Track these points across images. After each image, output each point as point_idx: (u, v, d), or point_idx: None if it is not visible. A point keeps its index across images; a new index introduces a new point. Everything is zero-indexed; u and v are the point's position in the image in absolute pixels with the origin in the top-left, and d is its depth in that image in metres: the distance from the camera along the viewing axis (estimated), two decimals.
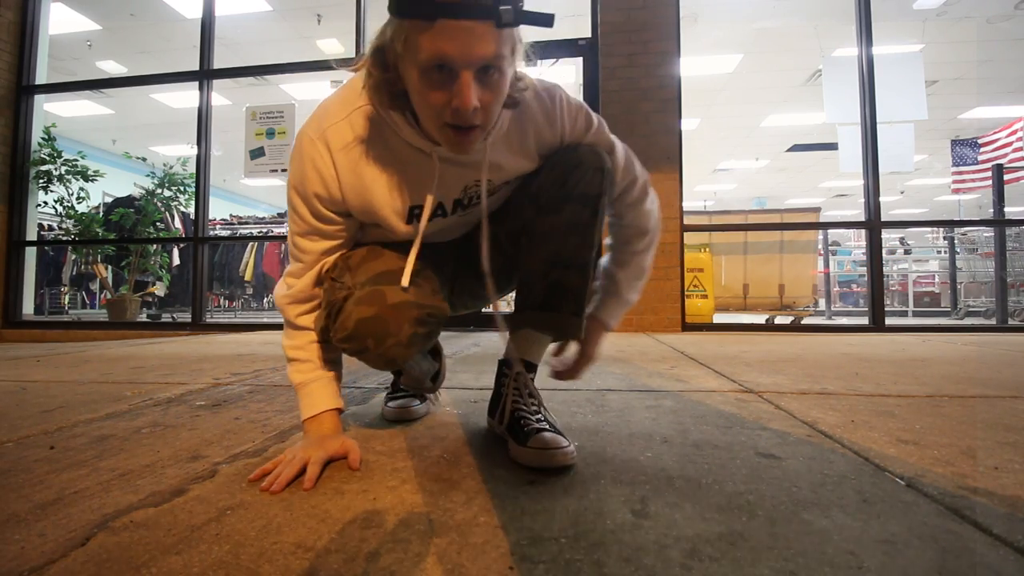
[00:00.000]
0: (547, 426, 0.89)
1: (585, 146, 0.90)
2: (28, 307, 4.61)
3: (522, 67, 0.78)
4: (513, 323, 0.96)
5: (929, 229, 10.28)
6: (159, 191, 5.34)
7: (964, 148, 7.54)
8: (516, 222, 0.96)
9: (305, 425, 0.91)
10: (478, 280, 1.04)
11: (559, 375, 0.98)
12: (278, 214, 8.08)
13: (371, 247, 0.93)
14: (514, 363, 0.98)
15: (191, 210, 5.04)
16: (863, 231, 4.19)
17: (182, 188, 5.39)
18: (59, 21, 5.44)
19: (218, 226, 7.37)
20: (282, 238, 5.69)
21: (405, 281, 0.84)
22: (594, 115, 0.94)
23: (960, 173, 7.59)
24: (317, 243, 0.90)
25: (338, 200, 0.86)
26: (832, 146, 4.63)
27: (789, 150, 10.27)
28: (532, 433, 0.86)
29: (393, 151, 0.84)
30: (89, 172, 4.88)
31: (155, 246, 5.32)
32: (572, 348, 0.98)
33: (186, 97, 7.20)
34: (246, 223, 7.63)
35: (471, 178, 0.88)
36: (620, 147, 0.96)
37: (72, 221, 4.89)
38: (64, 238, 5.43)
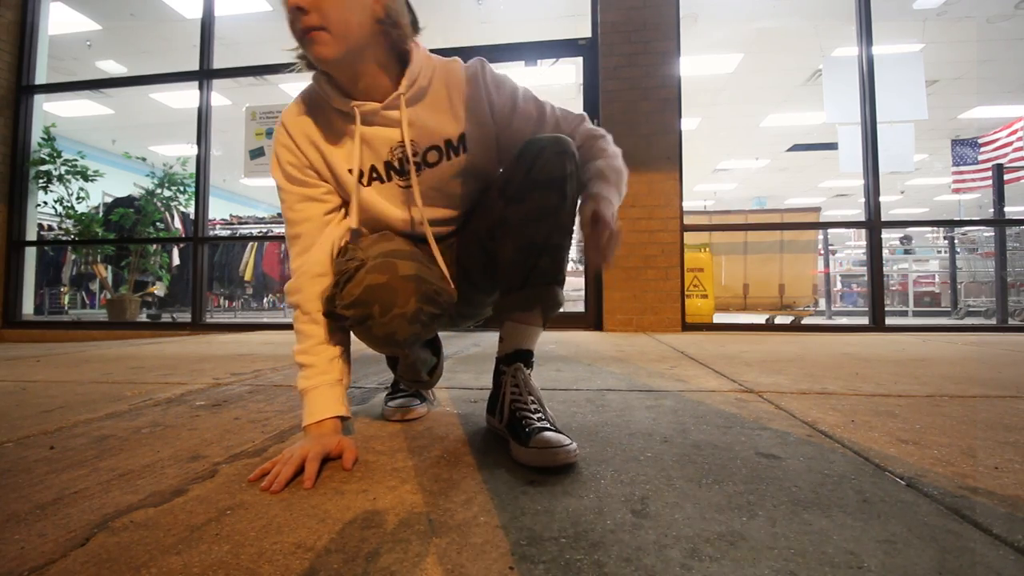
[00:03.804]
0: (548, 425, 0.89)
1: (546, 136, 0.92)
2: (28, 307, 4.61)
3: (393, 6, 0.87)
4: (498, 313, 0.99)
5: (929, 229, 10.28)
6: (159, 191, 5.34)
7: (964, 148, 7.55)
8: (491, 218, 0.99)
9: (306, 429, 0.91)
10: (473, 287, 1.08)
11: (593, 256, 0.88)
12: (278, 214, 8.06)
13: (380, 234, 0.98)
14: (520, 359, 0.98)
15: (191, 210, 5.04)
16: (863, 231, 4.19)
17: (182, 188, 5.39)
18: (59, 21, 5.44)
19: (218, 226, 7.37)
20: (282, 238, 5.69)
21: (354, 223, 0.95)
22: (519, 85, 0.99)
23: (960, 173, 7.60)
24: (310, 206, 0.96)
25: (306, 163, 0.96)
26: (832, 146, 4.63)
27: (789, 150, 10.27)
28: (533, 432, 0.85)
29: (328, 119, 0.95)
30: (89, 172, 4.88)
31: (155, 246, 5.32)
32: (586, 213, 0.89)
33: (186, 97, 7.21)
34: (246, 223, 7.62)
35: (395, 140, 0.94)
36: (550, 105, 1.00)
37: (72, 221, 4.89)
38: (64, 238, 5.43)
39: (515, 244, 0.91)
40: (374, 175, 0.96)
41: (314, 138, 0.95)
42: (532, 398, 0.95)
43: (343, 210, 1.00)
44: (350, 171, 0.95)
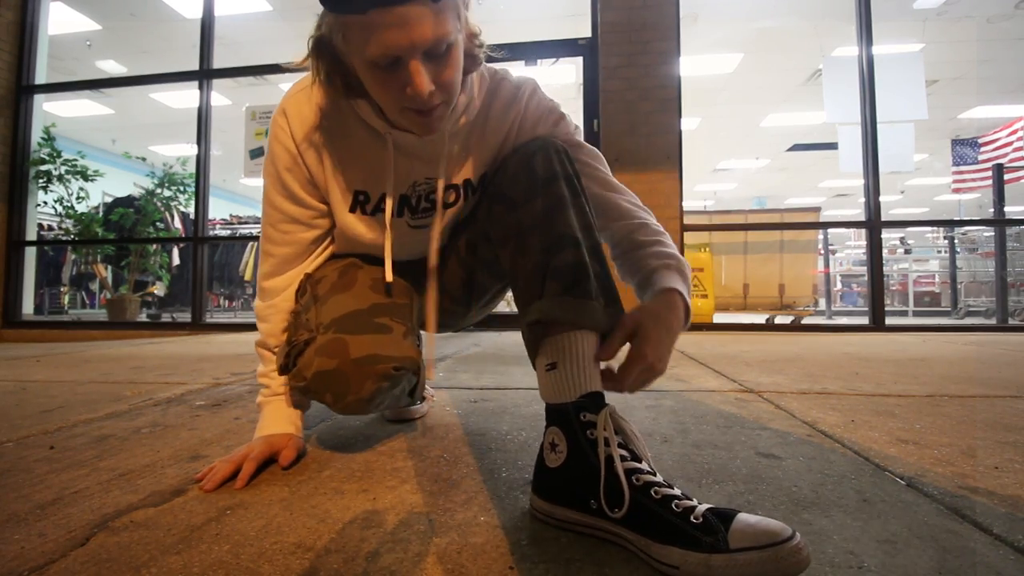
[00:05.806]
0: (693, 500, 0.57)
1: (539, 137, 0.80)
2: (28, 307, 4.61)
3: (471, 22, 0.72)
4: (530, 340, 0.72)
5: (929, 229, 10.28)
6: (159, 191, 5.33)
7: (964, 148, 7.55)
8: (477, 229, 0.90)
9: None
10: (452, 301, 1.01)
11: (609, 386, 0.74)
12: None
13: (343, 268, 0.90)
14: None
15: (191, 210, 5.04)
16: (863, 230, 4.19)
17: (182, 188, 5.39)
18: (59, 21, 5.43)
19: (218, 226, 7.38)
20: None
21: (389, 276, 0.85)
22: (568, 119, 0.87)
23: (960, 173, 7.59)
24: (297, 231, 0.89)
25: (307, 175, 0.84)
26: (832, 146, 4.63)
27: (789, 150, 10.27)
28: (721, 519, 0.52)
29: (348, 130, 0.81)
30: (89, 172, 4.87)
31: (155, 246, 5.32)
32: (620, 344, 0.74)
33: (186, 97, 7.20)
34: (246, 223, 7.62)
35: (421, 174, 0.83)
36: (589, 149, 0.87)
37: (72, 221, 4.89)
38: (64, 238, 5.42)
39: (537, 246, 0.72)
40: (381, 206, 0.85)
41: (321, 146, 0.82)
42: (647, 454, 0.65)
43: (329, 237, 0.93)
44: (358, 194, 0.85)
